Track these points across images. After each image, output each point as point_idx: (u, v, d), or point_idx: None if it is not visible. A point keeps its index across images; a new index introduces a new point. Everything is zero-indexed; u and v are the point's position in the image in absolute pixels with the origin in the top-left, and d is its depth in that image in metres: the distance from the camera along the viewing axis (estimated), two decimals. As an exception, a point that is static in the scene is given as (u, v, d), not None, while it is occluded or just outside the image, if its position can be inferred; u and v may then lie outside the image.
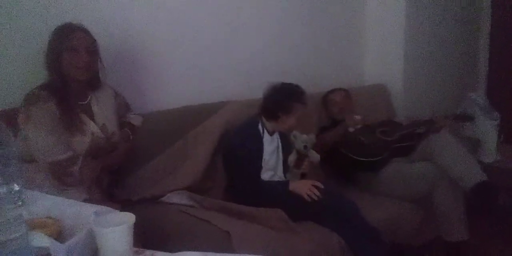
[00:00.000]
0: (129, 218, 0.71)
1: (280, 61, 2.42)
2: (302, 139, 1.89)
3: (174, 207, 1.54)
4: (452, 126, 2.32)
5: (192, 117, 1.86)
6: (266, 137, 1.79)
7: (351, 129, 2.20)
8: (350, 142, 2.07)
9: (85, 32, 1.39)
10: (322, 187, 1.63)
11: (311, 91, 2.43)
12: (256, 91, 1.88)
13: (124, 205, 1.52)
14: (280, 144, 1.87)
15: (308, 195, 1.60)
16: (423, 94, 2.92)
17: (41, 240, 0.70)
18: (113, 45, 1.72)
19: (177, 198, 1.58)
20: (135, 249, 0.73)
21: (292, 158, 1.93)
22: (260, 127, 1.78)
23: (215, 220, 1.38)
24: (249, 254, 0.79)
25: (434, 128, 2.08)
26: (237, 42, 2.20)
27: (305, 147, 1.88)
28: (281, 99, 1.76)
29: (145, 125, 1.73)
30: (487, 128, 2.39)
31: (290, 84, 1.81)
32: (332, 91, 2.39)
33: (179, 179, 1.64)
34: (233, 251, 1.25)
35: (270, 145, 1.80)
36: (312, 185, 1.62)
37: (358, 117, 2.24)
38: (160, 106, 1.89)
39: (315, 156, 1.94)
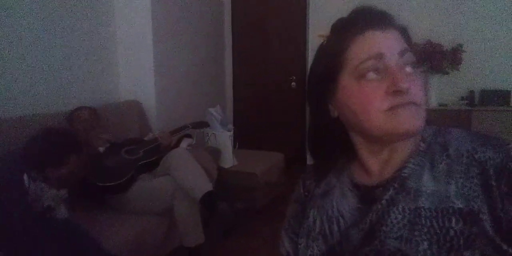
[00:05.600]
0: None
1: (28, 79, 2.20)
2: (52, 194, 1.66)
3: None
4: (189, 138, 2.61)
5: None
6: None
7: (101, 149, 2.16)
8: (94, 168, 2.01)
9: None
10: None
11: (60, 109, 2.31)
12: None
13: None
14: None
15: None
16: (176, 109, 3.17)
17: None
18: None
19: None
20: None
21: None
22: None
23: None
24: None
25: (161, 144, 2.27)
26: None
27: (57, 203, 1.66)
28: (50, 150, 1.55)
29: None
30: (223, 138, 2.78)
31: (62, 130, 1.61)
32: (79, 108, 2.29)
33: None
34: None
35: None
36: None
37: (104, 135, 2.21)
38: None
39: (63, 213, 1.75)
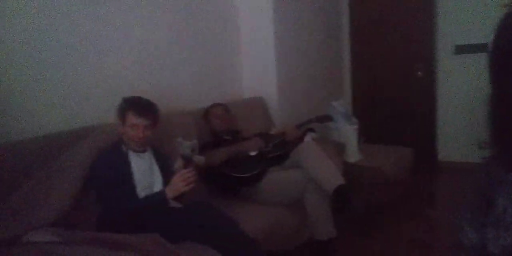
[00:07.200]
0: None
1: (158, 80, 2.44)
2: (186, 145, 1.90)
3: (36, 246, 1.41)
4: (319, 131, 2.60)
5: (57, 144, 1.74)
6: (132, 155, 1.77)
7: (252, 153, 2.28)
8: (230, 160, 2.15)
9: None
10: (192, 172, 1.66)
11: (193, 107, 2.53)
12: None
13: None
14: (154, 161, 1.86)
15: (186, 185, 1.63)
16: (297, 104, 3.20)
17: None
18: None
19: (41, 236, 1.45)
20: None
21: (178, 164, 1.91)
22: (123, 147, 1.77)
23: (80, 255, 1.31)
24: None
25: (287, 138, 2.29)
26: (108, 61, 2.13)
27: (192, 150, 1.87)
28: (118, 108, 1.78)
29: (2, 157, 1.57)
30: (348, 132, 2.71)
31: (135, 96, 1.81)
32: (213, 105, 2.49)
33: (43, 214, 1.52)
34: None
35: (140, 162, 1.79)
36: (181, 177, 1.64)
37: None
38: (25, 135, 1.73)
39: (200, 159, 1.97)
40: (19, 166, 1.60)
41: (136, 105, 1.77)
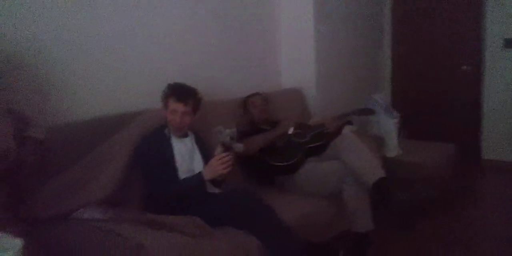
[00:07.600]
0: (13, 245, 0.69)
1: (198, 69, 2.47)
2: (226, 132, 1.91)
3: (87, 222, 1.49)
4: (358, 123, 2.55)
5: (105, 127, 1.81)
6: (174, 139, 1.82)
7: (291, 130, 2.30)
8: (265, 147, 2.16)
9: None
10: (230, 156, 1.69)
11: (231, 96, 2.55)
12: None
13: (31, 224, 1.46)
14: (195, 146, 1.91)
15: (224, 168, 1.67)
16: (335, 96, 3.16)
17: None
18: (9, 54, 1.62)
19: (90, 213, 1.54)
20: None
21: (218, 151, 1.95)
22: (166, 131, 1.82)
23: (128, 232, 1.37)
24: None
25: (327, 129, 2.29)
26: (152, 49, 2.20)
27: (232, 138, 1.87)
28: (162, 93, 1.84)
29: (55, 138, 1.65)
30: (388, 126, 2.64)
31: (179, 82, 1.86)
32: (252, 95, 2.49)
33: (92, 192, 1.60)
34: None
35: (181, 146, 1.84)
36: (219, 160, 1.68)
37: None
38: (72, 117, 1.82)
39: (239, 147, 1.99)
40: (68, 148, 1.69)
41: (177, 91, 1.81)
